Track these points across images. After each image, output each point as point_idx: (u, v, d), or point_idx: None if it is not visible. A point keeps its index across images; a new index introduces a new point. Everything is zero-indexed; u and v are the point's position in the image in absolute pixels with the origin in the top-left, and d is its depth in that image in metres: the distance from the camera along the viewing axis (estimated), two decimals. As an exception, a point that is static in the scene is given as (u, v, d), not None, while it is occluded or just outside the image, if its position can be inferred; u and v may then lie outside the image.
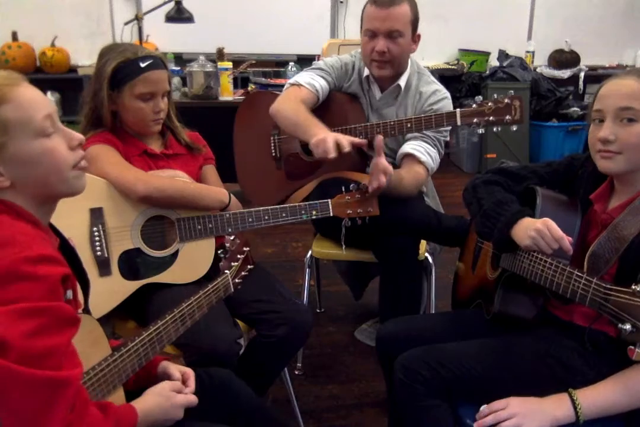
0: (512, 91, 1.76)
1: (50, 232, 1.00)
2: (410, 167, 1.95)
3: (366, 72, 2.08)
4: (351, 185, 1.67)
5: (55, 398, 0.82)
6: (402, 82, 2.04)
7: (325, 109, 2.05)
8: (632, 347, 0.95)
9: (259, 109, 2.18)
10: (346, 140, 1.73)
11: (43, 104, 0.94)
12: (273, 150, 2.18)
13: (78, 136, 0.98)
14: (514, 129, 1.79)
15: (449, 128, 1.99)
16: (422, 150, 1.97)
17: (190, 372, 1.21)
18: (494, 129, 1.81)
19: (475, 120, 1.76)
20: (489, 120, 1.75)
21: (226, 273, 1.38)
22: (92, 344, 1.01)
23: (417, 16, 1.95)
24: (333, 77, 2.07)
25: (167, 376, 1.19)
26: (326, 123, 1.96)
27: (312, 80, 2.02)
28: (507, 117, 1.74)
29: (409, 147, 1.98)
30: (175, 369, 1.20)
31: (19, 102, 0.91)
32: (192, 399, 1.12)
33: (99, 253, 1.53)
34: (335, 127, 1.95)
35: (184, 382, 1.18)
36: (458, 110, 1.78)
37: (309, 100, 2.00)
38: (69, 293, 0.98)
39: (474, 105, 1.77)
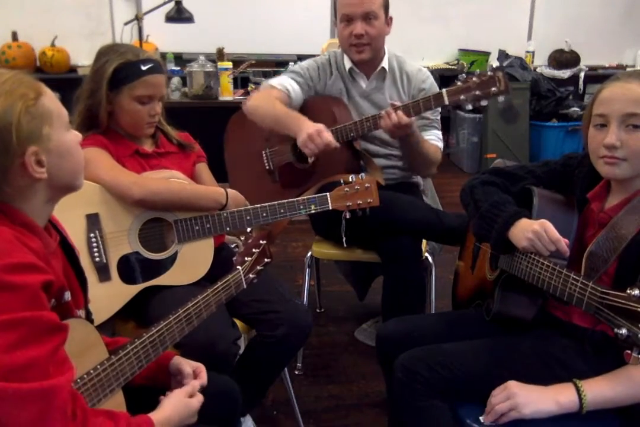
0: (478, 70, 1.79)
1: (44, 233, 0.98)
2: None
3: (348, 64, 2.10)
4: (350, 176, 1.65)
5: (47, 408, 0.81)
6: (385, 64, 2.10)
7: (310, 113, 2.03)
8: (628, 351, 0.95)
9: (248, 126, 2.16)
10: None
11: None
12: (266, 164, 2.18)
13: (79, 133, 1.03)
14: (501, 99, 1.78)
15: (439, 109, 2.05)
16: (434, 138, 2.09)
17: (202, 367, 1.20)
18: (482, 103, 1.79)
19: (462, 97, 1.77)
20: (475, 95, 1.76)
21: (238, 269, 1.34)
22: (87, 348, 0.99)
23: (387, 0, 2.03)
24: (306, 78, 2.11)
25: (179, 371, 1.18)
26: None
27: (283, 82, 2.08)
28: (493, 88, 1.75)
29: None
30: (187, 364, 1.19)
31: (51, 95, 0.95)
32: (201, 398, 1.12)
33: (97, 259, 1.53)
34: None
35: (196, 376, 1.18)
36: (444, 89, 1.80)
37: (281, 100, 2.05)
38: (67, 295, 0.97)
39: (459, 83, 1.78)
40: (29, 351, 0.81)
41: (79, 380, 0.95)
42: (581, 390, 1.16)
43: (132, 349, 1.06)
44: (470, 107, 1.79)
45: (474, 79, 1.76)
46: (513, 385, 1.20)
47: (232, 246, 1.42)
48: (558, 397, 1.16)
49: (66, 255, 1.08)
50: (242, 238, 1.42)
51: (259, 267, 1.41)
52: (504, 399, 1.18)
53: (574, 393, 1.16)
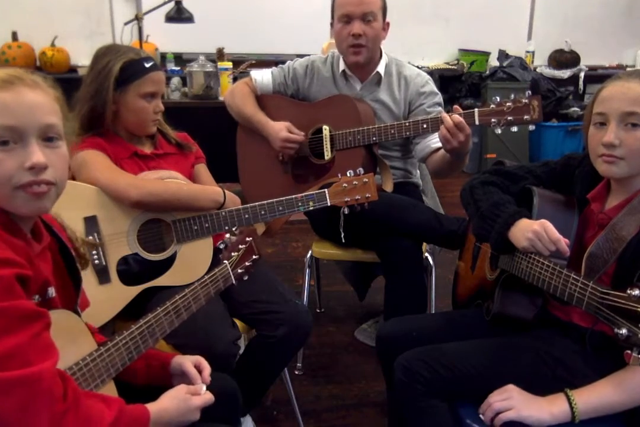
0: (513, 95, 1.74)
1: (26, 234, 0.97)
2: None
3: (342, 67, 2.11)
4: (348, 172, 1.64)
5: (31, 394, 0.81)
6: (380, 69, 2.10)
7: (335, 111, 2.05)
8: (628, 351, 0.94)
9: (264, 113, 2.17)
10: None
11: (14, 114, 0.90)
12: (280, 155, 2.16)
13: (33, 161, 0.90)
14: (532, 128, 1.77)
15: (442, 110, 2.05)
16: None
17: (202, 360, 1.20)
18: (512, 129, 1.79)
19: (493, 120, 1.76)
20: (507, 120, 1.74)
21: (225, 263, 1.35)
22: (73, 339, 1.00)
23: (385, 4, 2.04)
24: (286, 72, 2.19)
25: (181, 371, 1.18)
26: (337, 124, 2.00)
27: (260, 72, 2.23)
28: (526, 116, 1.73)
29: (436, 141, 1.96)
30: (189, 363, 1.19)
31: (22, 97, 0.91)
32: (208, 398, 1.11)
33: (96, 262, 1.52)
34: (348, 129, 1.98)
35: (200, 372, 1.18)
36: (476, 109, 1.78)
37: (250, 89, 2.22)
38: (51, 291, 0.98)
39: (493, 106, 1.76)
40: (8, 340, 0.81)
41: (68, 370, 0.95)
42: (572, 401, 1.16)
43: (120, 340, 1.07)
44: (499, 130, 1.78)
45: (509, 103, 1.73)
46: (512, 388, 1.20)
47: (218, 243, 1.42)
48: (551, 408, 1.17)
49: (63, 256, 1.09)
50: (227, 236, 1.42)
51: (247, 264, 1.41)
52: (503, 398, 1.19)
53: (565, 404, 1.17)
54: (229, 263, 1.36)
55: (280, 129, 2.07)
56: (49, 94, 0.96)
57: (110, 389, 1.06)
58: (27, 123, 0.91)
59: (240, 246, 1.41)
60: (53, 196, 0.95)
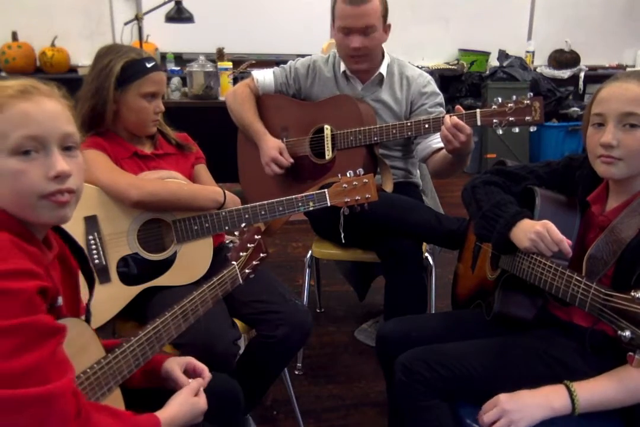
0: (515, 96, 1.75)
1: (40, 242, 0.96)
2: None
3: (342, 67, 2.12)
4: (348, 172, 1.64)
5: (46, 413, 0.80)
6: (382, 70, 2.10)
7: (336, 111, 2.05)
8: (631, 354, 0.94)
9: (265, 112, 2.19)
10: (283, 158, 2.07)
11: (36, 123, 0.89)
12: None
13: (58, 169, 0.90)
14: (534, 129, 1.79)
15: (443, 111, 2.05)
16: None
17: (195, 362, 1.19)
18: (514, 130, 1.80)
19: (495, 120, 1.76)
20: (509, 121, 1.75)
21: (233, 264, 1.33)
22: (83, 347, 0.99)
23: (386, 7, 2.01)
24: (288, 72, 2.19)
25: (171, 377, 1.17)
26: (338, 123, 2.00)
27: (262, 72, 2.22)
28: (527, 117, 1.74)
29: (437, 141, 1.98)
30: (177, 368, 1.17)
31: (8, 116, 0.88)
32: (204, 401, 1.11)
33: (96, 261, 1.52)
34: (349, 129, 1.98)
35: (194, 371, 1.18)
36: (478, 110, 1.78)
37: (251, 90, 2.21)
38: (60, 300, 0.96)
39: (494, 106, 1.76)
40: (28, 357, 0.80)
41: (76, 379, 0.94)
42: (574, 394, 1.16)
43: (128, 347, 1.05)
44: (500, 131, 1.78)
45: (510, 104, 1.74)
46: (504, 400, 1.18)
47: (227, 241, 1.41)
48: (552, 403, 1.16)
49: (77, 259, 1.08)
50: (237, 233, 1.41)
51: (254, 262, 1.40)
52: (497, 416, 1.17)
53: (566, 397, 1.16)
54: (237, 264, 1.35)
55: (273, 148, 2.08)
56: (63, 104, 0.96)
57: (116, 397, 1.05)
58: (49, 132, 0.90)
59: (248, 245, 1.39)
60: (73, 204, 0.95)
